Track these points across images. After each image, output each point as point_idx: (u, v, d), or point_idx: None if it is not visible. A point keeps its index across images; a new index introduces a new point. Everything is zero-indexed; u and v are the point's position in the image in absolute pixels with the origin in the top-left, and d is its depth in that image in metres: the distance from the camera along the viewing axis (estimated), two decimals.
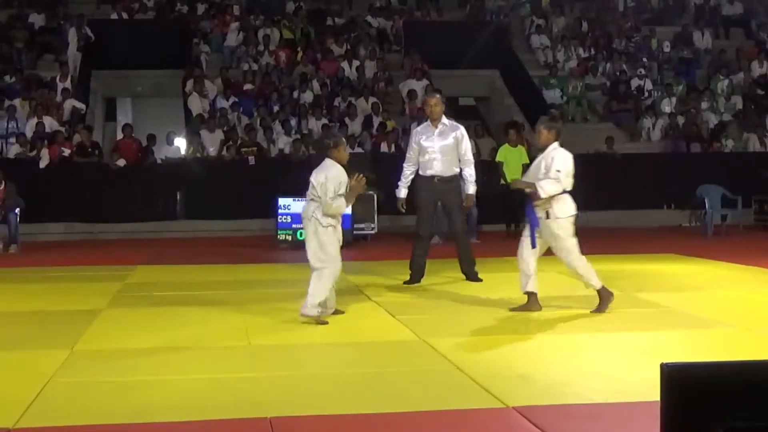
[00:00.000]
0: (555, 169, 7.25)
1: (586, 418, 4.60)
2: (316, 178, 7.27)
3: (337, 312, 7.45)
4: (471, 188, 9.25)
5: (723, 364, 2.77)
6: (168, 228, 16.26)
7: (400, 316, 7.48)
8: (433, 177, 9.18)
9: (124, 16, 20.68)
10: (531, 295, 7.56)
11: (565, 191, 7.36)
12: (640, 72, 20.82)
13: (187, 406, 4.82)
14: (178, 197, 16.60)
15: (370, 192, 12.96)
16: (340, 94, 18.69)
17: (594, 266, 10.81)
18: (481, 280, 9.41)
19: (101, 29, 19.71)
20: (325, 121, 17.70)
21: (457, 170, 9.24)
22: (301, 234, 13.35)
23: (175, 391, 5.16)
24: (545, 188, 7.24)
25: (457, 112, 17.46)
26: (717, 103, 20.04)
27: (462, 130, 9.32)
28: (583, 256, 7.48)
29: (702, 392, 2.49)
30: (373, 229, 14.18)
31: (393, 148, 17.20)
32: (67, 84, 18.08)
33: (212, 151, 16.92)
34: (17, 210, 13.68)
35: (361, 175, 7.36)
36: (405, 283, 9.35)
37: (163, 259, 12.15)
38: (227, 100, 18.24)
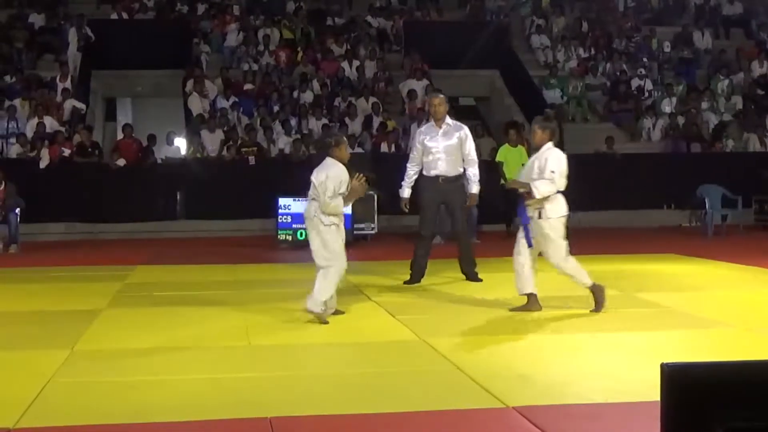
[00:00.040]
0: (549, 170, 7.26)
1: (586, 418, 4.60)
2: (317, 176, 7.28)
3: (337, 312, 7.46)
4: (475, 187, 9.25)
5: (723, 364, 2.78)
6: (168, 228, 16.26)
7: (400, 316, 7.48)
8: (437, 177, 9.18)
9: (124, 16, 20.67)
10: (530, 296, 7.56)
11: (558, 191, 7.37)
12: (641, 72, 20.82)
13: (187, 406, 4.82)
14: (178, 197, 16.60)
15: (370, 192, 12.96)
16: (340, 94, 18.69)
17: (594, 266, 10.81)
18: (481, 280, 9.41)
19: (101, 29, 19.70)
20: (325, 121, 17.70)
21: (461, 170, 9.24)
22: (301, 234, 13.42)
23: (175, 391, 5.16)
24: (540, 189, 7.24)
25: (457, 112, 17.41)
26: (717, 103, 20.04)
27: (466, 130, 9.33)
28: (572, 257, 7.45)
29: (702, 392, 2.48)
30: (373, 229, 14.19)
31: (393, 148, 17.21)
32: (67, 84, 18.08)
33: (212, 151, 16.92)
34: (17, 210, 13.68)
35: (362, 175, 7.36)
36: (405, 283, 9.36)
37: (163, 259, 12.16)
38: (227, 100, 18.24)
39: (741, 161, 17.84)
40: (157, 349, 6.29)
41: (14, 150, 16.47)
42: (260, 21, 20.99)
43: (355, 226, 13.50)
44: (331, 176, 7.22)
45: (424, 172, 9.26)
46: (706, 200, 15.31)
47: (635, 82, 20.50)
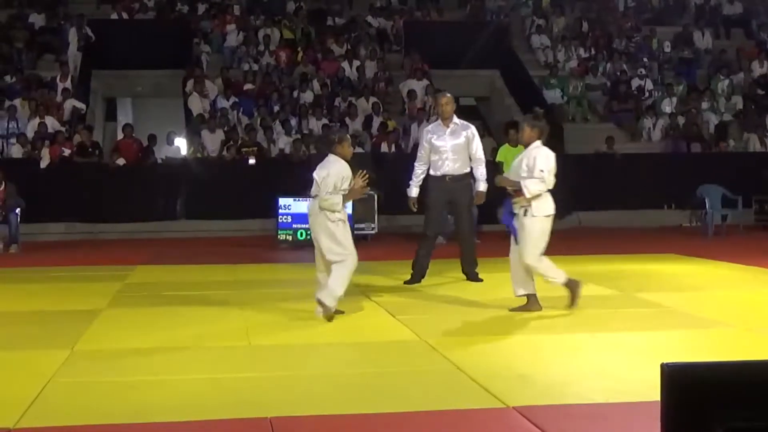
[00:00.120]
0: (539, 169, 7.27)
1: (586, 418, 4.60)
2: (319, 173, 7.31)
3: (337, 312, 7.46)
4: (482, 185, 9.24)
5: (723, 364, 2.77)
6: (168, 228, 16.26)
7: (400, 316, 7.48)
8: (444, 176, 9.18)
9: (125, 16, 20.68)
10: (530, 296, 7.55)
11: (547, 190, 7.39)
12: (641, 72, 20.82)
13: (187, 406, 4.82)
14: (179, 197, 16.59)
15: (371, 192, 12.96)
16: (341, 94, 18.69)
17: (595, 266, 10.85)
18: (481, 281, 9.41)
19: (101, 29, 19.71)
20: (325, 121, 17.70)
21: (468, 169, 9.25)
22: (301, 234, 13.44)
23: (175, 391, 5.16)
24: (530, 188, 7.26)
25: (457, 112, 17.47)
26: (717, 103, 20.04)
27: (473, 129, 9.34)
28: (546, 257, 7.43)
29: (702, 392, 2.49)
30: (373, 229, 14.19)
31: (393, 148, 17.22)
32: (68, 84, 18.08)
33: (212, 151, 16.92)
34: (18, 210, 13.68)
35: (365, 172, 7.37)
36: (405, 282, 9.35)
37: (163, 259, 12.15)
38: (227, 100, 18.24)
39: (741, 161, 17.84)
40: (157, 349, 6.29)
41: (15, 150, 16.47)
42: (260, 21, 20.99)
43: (355, 226, 13.49)
44: (333, 173, 7.24)
45: (432, 172, 9.26)
46: (707, 200, 15.31)
47: (635, 82, 20.50)
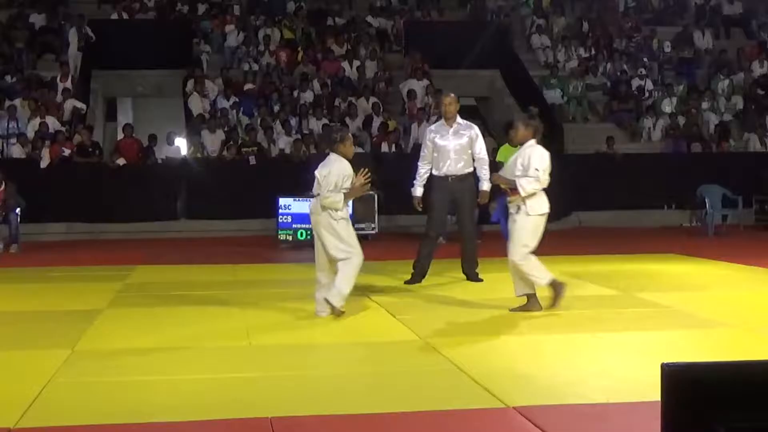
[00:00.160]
0: (534, 168, 7.28)
1: (586, 418, 4.60)
2: (320, 171, 7.33)
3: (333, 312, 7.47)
4: (486, 185, 9.23)
5: (723, 364, 2.78)
6: (168, 228, 16.26)
7: (400, 316, 7.48)
8: (447, 176, 9.19)
9: (125, 16, 20.66)
10: (530, 296, 7.55)
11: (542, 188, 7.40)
12: (641, 72, 20.81)
13: (187, 406, 4.82)
14: (179, 197, 16.60)
15: (371, 192, 12.96)
16: (341, 94, 18.68)
17: (595, 266, 10.85)
18: (481, 281, 9.42)
19: (102, 29, 19.69)
20: (325, 121, 17.70)
21: (471, 169, 9.25)
22: (301, 234, 13.44)
23: (175, 391, 5.16)
24: (526, 187, 7.27)
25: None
26: (717, 103, 20.03)
27: (476, 129, 9.34)
28: (533, 256, 7.42)
29: (702, 392, 2.49)
30: (373, 228, 14.19)
31: (393, 148, 17.22)
32: (68, 84, 18.07)
33: (212, 151, 16.92)
34: (18, 210, 13.68)
35: (366, 170, 7.38)
36: (406, 282, 9.36)
37: (163, 259, 12.16)
38: (228, 100, 18.24)
39: (741, 161, 17.84)
40: (157, 349, 6.29)
41: (16, 150, 16.47)
42: (261, 21, 20.99)
43: (356, 226, 13.46)
44: (334, 171, 7.25)
45: (434, 171, 9.27)
46: (707, 200, 15.32)
47: (636, 82, 20.49)
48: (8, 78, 18.28)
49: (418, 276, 9.38)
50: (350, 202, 7.62)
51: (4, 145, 16.66)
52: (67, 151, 16.14)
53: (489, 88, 21.02)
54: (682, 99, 19.97)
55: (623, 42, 22.04)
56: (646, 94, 20.29)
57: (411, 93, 18.76)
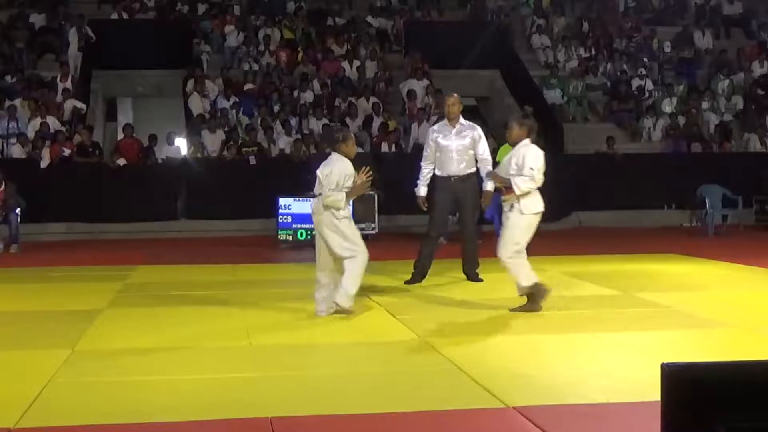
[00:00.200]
0: (528, 167, 7.29)
1: (586, 418, 4.60)
2: (322, 171, 7.34)
3: (337, 312, 7.46)
4: (489, 185, 9.23)
5: (723, 364, 2.78)
6: (169, 228, 16.26)
7: (400, 316, 7.48)
8: (450, 177, 9.19)
9: (125, 16, 20.67)
10: (530, 295, 7.55)
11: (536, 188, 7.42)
12: (641, 72, 20.81)
13: (187, 406, 4.82)
14: (179, 197, 16.60)
15: (371, 192, 12.96)
16: (341, 94, 18.68)
17: (595, 266, 10.84)
18: (481, 281, 9.42)
19: (102, 29, 19.70)
20: (325, 121, 17.71)
21: (474, 169, 9.26)
22: (301, 234, 13.44)
23: (175, 391, 5.16)
24: (521, 185, 7.29)
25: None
26: (718, 103, 20.04)
27: (480, 131, 9.34)
28: (524, 256, 7.41)
29: (702, 392, 2.49)
30: (373, 228, 14.18)
31: (393, 148, 17.22)
32: (68, 84, 18.08)
33: (213, 151, 16.93)
34: (18, 210, 13.68)
35: (368, 169, 7.39)
36: (406, 282, 9.36)
37: (163, 259, 12.16)
38: (228, 100, 18.25)
39: (741, 161, 17.84)
40: (157, 349, 6.29)
41: (16, 150, 16.47)
42: (261, 21, 20.99)
43: (356, 226, 13.48)
44: (336, 171, 7.26)
45: (437, 172, 9.27)
46: (707, 200, 15.32)
47: (636, 82, 20.50)
48: (8, 78, 18.29)
49: (418, 276, 9.38)
50: (350, 202, 7.62)
51: (4, 145, 16.66)
52: (67, 151, 16.15)
53: (489, 88, 21.02)
54: (682, 99, 19.97)
55: (623, 42, 22.04)
56: (646, 94, 20.30)
57: (411, 93, 18.76)
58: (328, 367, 5.91)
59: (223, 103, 18.10)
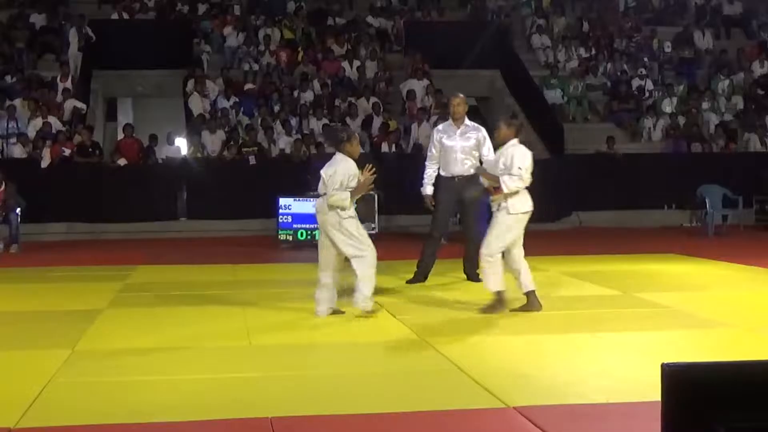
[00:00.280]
0: (516, 166, 7.31)
1: (586, 418, 4.60)
2: (326, 171, 7.34)
3: (336, 312, 7.47)
4: (482, 180, 9.23)
5: (723, 364, 2.78)
6: (169, 228, 16.26)
7: (400, 316, 7.48)
8: (453, 177, 9.20)
9: (125, 16, 20.67)
10: (530, 294, 7.55)
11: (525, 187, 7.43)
12: (641, 72, 20.81)
13: (187, 406, 4.82)
14: (179, 197, 16.60)
15: (371, 192, 12.96)
16: (341, 95, 18.68)
17: (595, 266, 10.83)
18: (482, 281, 9.40)
19: (102, 29, 19.70)
20: (326, 121, 17.71)
21: None
22: (302, 234, 13.44)
23: (175, 391, 5.16)
24: (509, 185, 7.31)
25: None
26: (718, 103, 20.04)
27: (484, 132, 9.33)
28: (500, 258, 7.42)
29: (702, 392, 2.49)
30: (373, 228, 14.17)
31: (394, 148, 17.22)
32: (68, 84, 18.08)
33: (213, 151, 16.93)
34: (18, 210, 13.68)
35: (372, 167, 7.39)
36: (408, 282, 9.36)
37: (163, 259, 12.15)
38: (228, 100, 18.25)
39: (741, 161, 17.84)
40: (157, 349, 6.29)
41: (17, 150, 16.47)
42: (261, 21, 20.99)
43: None
44: (340, 171, 7.26)
45: (441, 172, 9.29)
46: (707, 200, 15.32)
47: (636, 82, 20.50)
48: (8, 78, 18.29)
49: (420, 275, 9.39)
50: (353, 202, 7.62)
51: (4, 145, 16.67)
52: (67, 151, 16.15)
53: (489, 88, 21.02)
54: (683, 99, 19.97)
55: (623, 42, 22.04)
56: (647, 94, 20.29)
57: (411, 93, 18.76)
58: (328, 367, 5.91)
59: (223, 103, 18.10)
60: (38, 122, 16.77)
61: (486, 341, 6.55)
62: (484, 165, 8.51)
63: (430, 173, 9.37)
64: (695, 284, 9.44)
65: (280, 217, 13.51)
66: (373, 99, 18.45)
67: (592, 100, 20.26)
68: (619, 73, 20.75)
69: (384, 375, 5.57)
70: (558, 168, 16.61)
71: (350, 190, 7.28)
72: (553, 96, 19.76)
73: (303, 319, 7.35)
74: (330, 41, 20.41)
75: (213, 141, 17.00)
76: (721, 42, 22.63)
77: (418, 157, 14.44)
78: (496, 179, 7.41)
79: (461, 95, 9.51)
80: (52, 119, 16.82)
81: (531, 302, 7.55)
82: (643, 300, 8.27)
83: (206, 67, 19.38)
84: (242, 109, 18.07)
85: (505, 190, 7.31)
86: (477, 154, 9.18)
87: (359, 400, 4.92)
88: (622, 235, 15.26)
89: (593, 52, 21.63)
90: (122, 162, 16.39)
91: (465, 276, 9.56)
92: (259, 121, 17.65)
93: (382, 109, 18.11)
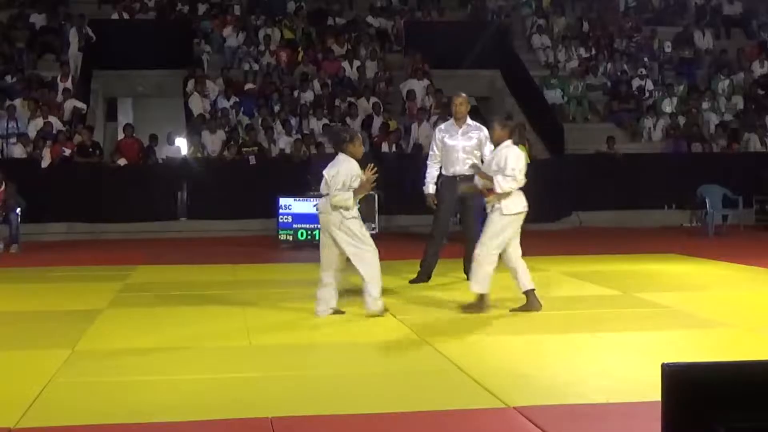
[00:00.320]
0: (510, 168, 7.34)
1: (586, 418, 4.60)
2: (329, 171, 7.34)
3: (337, 312, 7.47)
4: (476, 180, 9.22)
5: (723, 364, 2.78)
6: (169, 228, 16.26)
7: (400, 316, 7.48)
8: (455, 177, 9.20)
9: (125, 16, 20.67)
10: (529, 294, 7.55)
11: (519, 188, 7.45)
12: (641, 72, 20.81)
13: (187, 406, 4.82)
14: (179, 197, 16.60)
15: (372, 192, 12.95)
16: (341, 95, 18.68)
17: (595, 266, 10.83)
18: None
19: (102, 29, 19.70)
20: (326, 121, 17.71)
21: None
22: (302, 234, 13.44)
23: (175, 391, 5.16)
24: (503, 185, 7.33)
25: None
26: (718, 103, 20.04)
27: (486, 132, 9.30)
28: (495, 260, 7.43)
29: (702, 392, 2.49)
30: (374, 228, 14.17)
31: (394, 148, 17.22)
32: (68, 84, 18.08)
33: (213, 151, 16.93)
34: (18, 210, 13.68)
35: (373, 166, 7.39)
36: (411, 281, 9.36)
37: (163, 259, 12.16)
38: (228, 100, 18.25)
39: (741, 161, 17.84)
40: (157, 349, 6.29)
41: (17, 150, 16.47)
42: (261, 21, 20.99)
43: None
44: (343, 171, 7.26)
45: (443, 171, 9.29)
46: (707, 200, 15.31)
47: (636, 82, 20.50)
48: (8, 78, 18.29)
49: (423, 275, 9.40)
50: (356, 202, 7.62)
51: (5, 145, 16.67)
52: (67, 151, 16.15)
53: (489, 88, 21.02)
54: (683, 99, 19.97)
55: (623, 42, 22.04)
56: (647, 94, 20.29)
57: (411, 93, 18.76)
58: (328, 367, 5.90)
59: (223, 103, 18.10)
60: (38, 122, 16.77)
61: (486, 341, 6.56)
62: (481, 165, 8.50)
63: (432, 172, 9.37)
64: (695, 284, 9.44)
65: (280, 217, 13.51)
66: (373, 99, 18.45)
67: (592, 100, 20.26)
68: (619, 73, 20.76)
69: (384, 375, 5.57)
70: (558, 168, 16.61)
71: (353, 190, 7.29)
72: (553, 96, 19.76)
73: (303, 319, 7.35)
74: (330, 41, 20.41)
75: (213, 141, 17.00)
76: (721, 42, 22.63)
77: (418, 157, 14.45)
78: (491, 179, 7.42)
79: (464, 95, 9.50)
80: (52, 119, 16.81)
81: (531, 302, 7.55)
82: (643, 300, 8.27)
83: (206, 67, 19.38)
84: (242, 109, 18.07)
85: (499, 191, 7.33)
86: (479, 154, 9.18)
87: (359, 400, 4.92)
88: (622, 235, 15.26)
89: (593, 52, 21.63)
90: (122, 162, 16.39)
91: (465, 276, 9.54)
92: (259, 121, 17.65)
93: (382, 109, 18.11)
